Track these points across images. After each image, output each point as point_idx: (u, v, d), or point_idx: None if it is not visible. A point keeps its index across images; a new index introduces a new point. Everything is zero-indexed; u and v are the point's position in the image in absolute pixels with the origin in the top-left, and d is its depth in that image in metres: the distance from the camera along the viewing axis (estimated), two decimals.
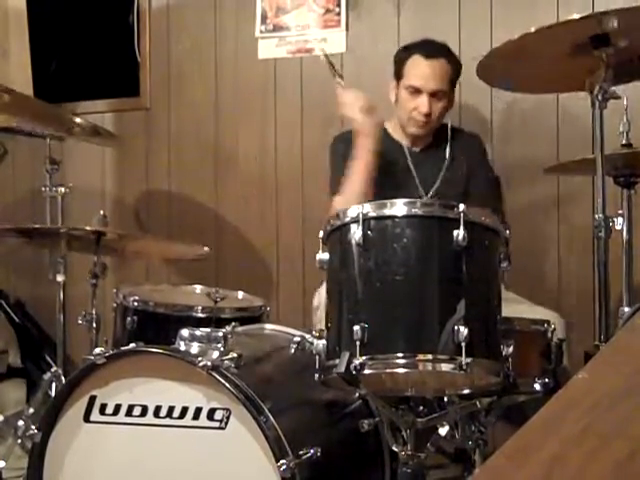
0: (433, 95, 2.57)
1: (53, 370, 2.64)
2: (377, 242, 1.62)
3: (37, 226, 2.67)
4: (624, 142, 2.17)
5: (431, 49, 2.59)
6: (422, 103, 2.57)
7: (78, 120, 2.88)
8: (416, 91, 2.57)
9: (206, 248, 2.80)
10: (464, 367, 1.52)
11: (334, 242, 1.70)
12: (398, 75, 2.63)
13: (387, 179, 2.61)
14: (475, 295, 1.61)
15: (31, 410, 2.41)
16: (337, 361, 1.58)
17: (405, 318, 1.59)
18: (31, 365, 3.46)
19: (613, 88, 1.96)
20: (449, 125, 2.73)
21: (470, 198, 2.56)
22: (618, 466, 0.54)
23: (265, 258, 3.37)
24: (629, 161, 2.22)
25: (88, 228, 2.48)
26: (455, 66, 2.62)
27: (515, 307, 2.18)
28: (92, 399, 1.87)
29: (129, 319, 2.39)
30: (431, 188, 2.65)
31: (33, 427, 1.91)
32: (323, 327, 1.71)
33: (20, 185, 3.75)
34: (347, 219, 1.65)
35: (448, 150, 2.69)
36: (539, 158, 2.84)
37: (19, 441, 2.25)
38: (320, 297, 2.46)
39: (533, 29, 1.89)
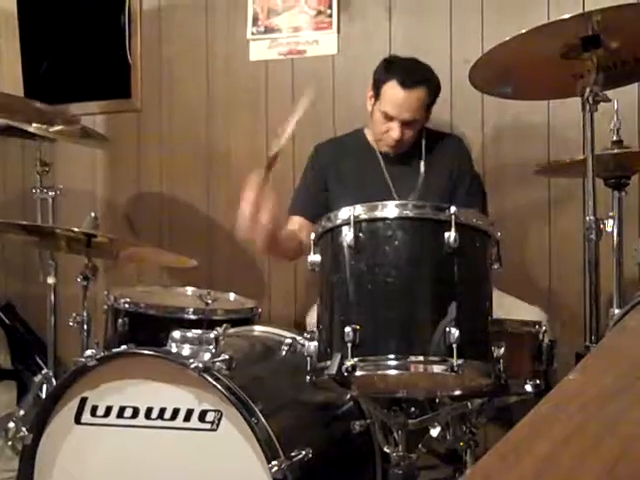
0: (405, 123, 2.53)
1: (44, 372, 2.64)
2: (368, 244, 1.62)
3: (26, 223, 2.66)
4: (615, 141, 2.18)
5: (409, 78, 2.50)
6: (393, 129, 2.53)
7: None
8: (389, 117, 2.52)
9: (194, 262, 2.77)
10: (455, 368, 1.53)
11: (326, 244, 1.71)
12: (375, 93, 2.57)
13: (361, 189, 2.60)
14: (466, 297, 1.62)
15: (22, 412, 2.41)
16: (329, 363, 1.58)
17: (396, 320, 1.59)
18: (22, 367, 3.45)
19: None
20: (423, 138, 2.66)
21: (456, 200, 2.54)
22: (609, 466, 0.54)
23: (257, 260, 3.37)
24: (620, 163, 2.23)
25: (76, 229, 2.47)
26: (433, 91, 2.55)
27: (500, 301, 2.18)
28: (83, 401, 1.87)
29: (120, 321, 2.39)
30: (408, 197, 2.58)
31: (24, 429, 1.90)
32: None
33: (11, 187, 3.74)
34: (338, 221, 1.66)
35: (423, 163, 2.63)
36: (530, 159, 2.84)
37: (10, 443, 2.25)
38: (311, 318, 2.32)
39: (524, 30, 1.90)
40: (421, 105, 2.53)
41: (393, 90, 2.51)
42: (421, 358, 1.55)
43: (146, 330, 2.37)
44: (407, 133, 2.55)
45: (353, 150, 2.75)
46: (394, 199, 2.57)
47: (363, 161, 2.69)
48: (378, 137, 2.62)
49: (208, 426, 1.76)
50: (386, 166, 2.66)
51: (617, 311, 1.99)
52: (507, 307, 2.09)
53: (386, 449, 1.81)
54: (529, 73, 2.17)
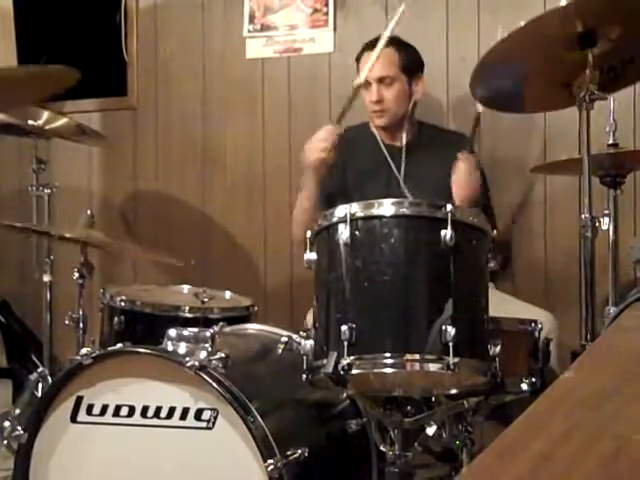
0: (381, 82, 2.62)
1: (39, 370, 2.62)
2: (365, 242, 1.62)
3: (22, 225, 2.65)
4: (610, 142, 2.18)
5: (372, 41, 2.60)
6: (372, 92, 2.63)
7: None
8: (367, 84, 2.61)
9: (192, 261, 2.81)
10: (451, 367, 1.53)
11: (322, 242, 1.70)
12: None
13: (368, 177, 2.67)
14: (463, 295, 1.62)
15: (17, 411, 2.40)
16: (325, 361, 1.58)
17: (393, 318, 1.59)
18: (17, 365, 3.44)
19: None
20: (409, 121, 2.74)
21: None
22: (604, 464, 0.54)
23: (253, 258, 3.37)
24: (615, 161, 2.23)
25: (69, 235, 2.47)
26: (405, 52, 2.66)
27: (507, 307, 2.18)
28: (79, 399, 1.87)
29: (116, 319, 2.38)
30: (413, 184, 2.63)
31: (19, 428, 1.89)
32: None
33: (6, 184, 3.73)
34: (334, 219, 1.65)
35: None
36: (526, 157, 2.84)
37: (5, 442, 2.24)
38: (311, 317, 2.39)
39: (523, 23, 1.88)
40: (392, 62, 2.63)
41: (364, 57, 2.65)
42: (417, 356, 1.55)
43: (142, 328, 2.37)
44: (386, 93, 2.64)
45: (360, 143, 2.79)
46: (400, 187, 2.64)
47: (370, 154, 2.75)
48: (370, 113, 2.71)
49: (204, 425, 1.75)
50: (393, 160, 2.70)
51: (613, 309, 1.99)
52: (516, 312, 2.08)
53: (382, 448, 1.81)
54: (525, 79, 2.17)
